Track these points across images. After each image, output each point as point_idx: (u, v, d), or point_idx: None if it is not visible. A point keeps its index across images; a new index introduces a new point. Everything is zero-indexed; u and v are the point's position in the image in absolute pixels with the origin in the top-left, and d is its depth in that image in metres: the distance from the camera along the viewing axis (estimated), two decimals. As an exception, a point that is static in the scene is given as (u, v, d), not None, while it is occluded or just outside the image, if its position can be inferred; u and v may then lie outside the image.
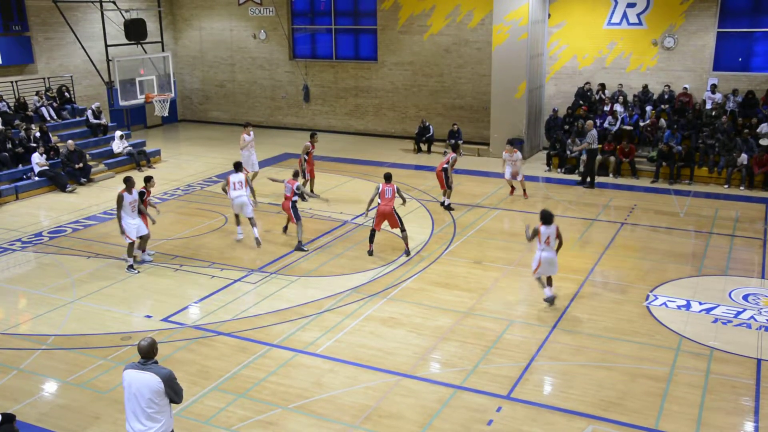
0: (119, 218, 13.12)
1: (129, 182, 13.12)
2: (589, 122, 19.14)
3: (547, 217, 11.04)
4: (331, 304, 11.82)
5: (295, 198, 14.24)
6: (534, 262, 11.39)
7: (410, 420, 8.55)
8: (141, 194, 13.38)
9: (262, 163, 20.81)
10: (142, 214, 13.42)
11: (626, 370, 9.65)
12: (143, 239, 13.53)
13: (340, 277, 13.01)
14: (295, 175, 14.76)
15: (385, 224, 14.03)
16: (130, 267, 13.29)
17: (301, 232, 14.33)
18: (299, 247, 14.28)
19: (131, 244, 13.19)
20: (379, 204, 13.81)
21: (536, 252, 11.31)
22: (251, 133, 18.59)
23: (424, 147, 23.54)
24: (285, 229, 15.31)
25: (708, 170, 19.28)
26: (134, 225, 13.17)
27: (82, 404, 9.02)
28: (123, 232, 13.09)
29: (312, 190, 17.71)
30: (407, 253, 13.93)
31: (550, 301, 11.51)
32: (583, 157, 19.23)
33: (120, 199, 12.99)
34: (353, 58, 26.52)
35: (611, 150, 20.14)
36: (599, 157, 20.07)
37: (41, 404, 9.10)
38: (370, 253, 14.01)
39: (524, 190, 18.00)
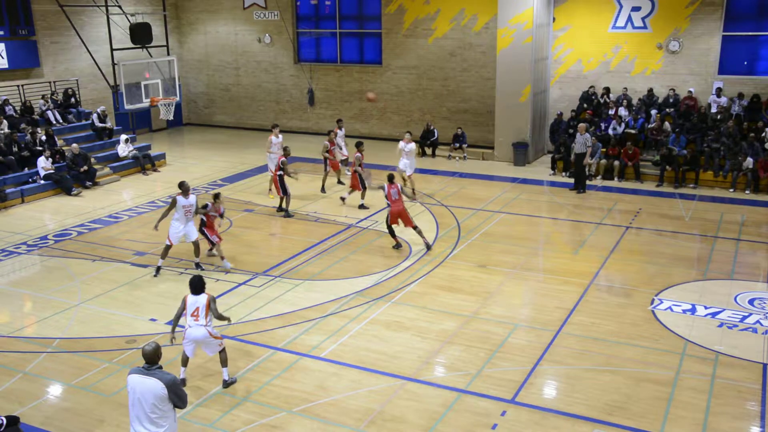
0: (163, 216, 13.08)
1: (183, 186, 12.95)
2: (581, 126, 18.87)
3: (195, 286, 8.93)
4: (335, 307, 11.82)
5: (280, 172, 16.44)
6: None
7: (414, 424, 8.54)
8: (205, 206, 13.33)
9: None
10: (209, 227, 13.32)
11: (631, 374, 9.63)
12: (195, 245, 13.39)
13: (344, 280, 13.01)
14: (284, 151, 17.16)
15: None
16: (157, 269, 13.32)
17: (288, 202, 16.84)
18: (287, 214, 16.78)
19: (167, 247, 13.16)
20: (389, 205, 14.30)
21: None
22: (279, 135, 18.47)
23: (428, 150, 23.53)
24: (279, 208, 17.11)
25: (713, 174, 19.23)
26: (179, 231, 13.01)
27: (87, 407, 9.03)
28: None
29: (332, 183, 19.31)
30: (428, 246, 14.37)
31: (225, 384, 9.35)
32: (590, 160, 19.19)
33: (173, 203, 12.90)
34: (358, 61, 26.55)
35: (616, 154, 20.11)
36: (603, 161, 20.07)
37: (46, 407, 9.11)
38: (397, 246, 14.51)
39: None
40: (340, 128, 20.60)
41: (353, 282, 12.90)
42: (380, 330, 10.98)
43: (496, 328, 10.99)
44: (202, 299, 9.00)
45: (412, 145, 18.20)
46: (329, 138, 19.18)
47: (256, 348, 10.46)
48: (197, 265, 13.51)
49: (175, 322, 9.12)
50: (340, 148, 20.10)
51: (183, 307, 9.04)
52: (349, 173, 18.35)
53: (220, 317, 9.31)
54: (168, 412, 6.51)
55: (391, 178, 14.41)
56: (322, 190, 18.90)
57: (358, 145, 17.65)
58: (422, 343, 10.55)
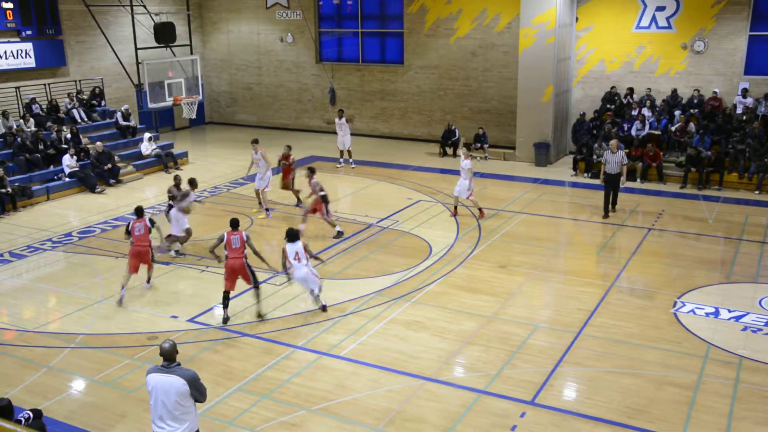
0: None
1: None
2: (613, 143, 16.29)
3: (291, 235, 11.26)
4: (356, 306, 11.85)
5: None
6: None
7: (433, 424, 8.54)
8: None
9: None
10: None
11: (652, 377, 9.54)
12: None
13: (364, 280, 13.03)
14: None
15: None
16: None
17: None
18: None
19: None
20: (227, 257, 11.26)
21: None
22: (257, 150, 16.83)
23: (449, 150, 23.49)
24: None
25: (738, 176, 18.97)
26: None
27: (109, 402, 9.14)
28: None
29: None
30: (260, 315, 11.43)
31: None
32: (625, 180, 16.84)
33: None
34: (379, 61, 26.57)
35: (639, 155, 19.91)
36: (628, 162, 19.21)
37: (69, 401, 9.25)
38: (225, 320, 11.26)
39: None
40: (340, 117, 21.32)
41: (373, 281, 12.91)
42: (400, 330, 10.98)
43: (516, 329, 10.95)
44: (298, 245, 11.12)
45: (468, 163, 15.90)
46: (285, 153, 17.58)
47: (275, 346, 10.52)
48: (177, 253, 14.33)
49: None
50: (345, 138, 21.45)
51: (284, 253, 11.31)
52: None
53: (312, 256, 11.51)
54: (190, 407, 6.58)
55: (234, 224, 11.56)
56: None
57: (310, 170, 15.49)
58: (442, 343, 10.54)
